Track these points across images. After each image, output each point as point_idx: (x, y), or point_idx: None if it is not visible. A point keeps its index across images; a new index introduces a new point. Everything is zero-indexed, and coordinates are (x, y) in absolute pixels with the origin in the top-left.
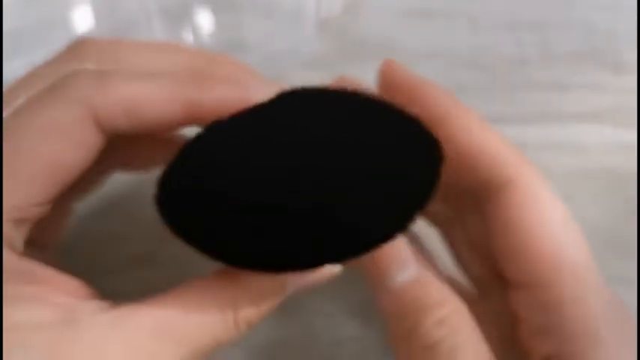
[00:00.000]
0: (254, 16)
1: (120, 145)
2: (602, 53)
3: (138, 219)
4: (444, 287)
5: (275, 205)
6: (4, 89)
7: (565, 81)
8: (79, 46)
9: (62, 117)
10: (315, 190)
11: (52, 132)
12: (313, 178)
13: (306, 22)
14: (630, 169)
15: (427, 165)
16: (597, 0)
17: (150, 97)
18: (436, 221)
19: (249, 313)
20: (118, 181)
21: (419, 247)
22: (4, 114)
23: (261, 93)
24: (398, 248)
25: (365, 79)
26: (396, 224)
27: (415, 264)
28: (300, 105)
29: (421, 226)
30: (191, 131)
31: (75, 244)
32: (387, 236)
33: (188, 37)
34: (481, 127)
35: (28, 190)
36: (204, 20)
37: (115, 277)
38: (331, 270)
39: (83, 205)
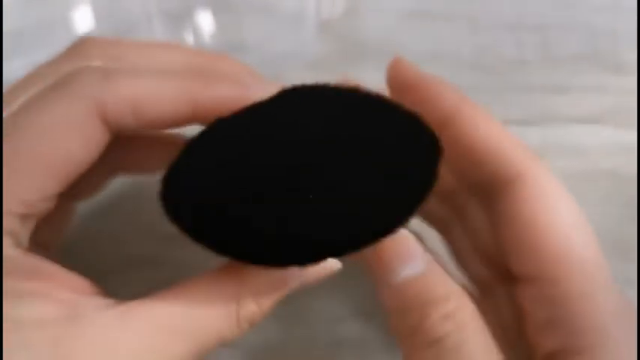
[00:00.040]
0: (254, 18)
1: (123, 149)
2: (602, 54)
3: (138, 220)
4: (450, 281)
5: (277, 200)
6: (4, 89)
7: (565, 82)
8: (82, 45)
9: (70, 113)
10: (315, 185)
11: (59, 127)
12: (314, 173)
13: (306, 24)
14: (631, 171)
15: (426, 159)
16: (598, 1)
17: (156, 94)
18: (436, 222)
19: (252, 309)
20: (118, 182)
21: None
22: (10, 111)
23: (262, 92)
24: (403, 242)
25: (366, 80)
26: (396, 218)
27: (423, 258)
28: (300, 102)
29: (421, 227)
30: (191, 132)
31: (75, 244)
32: (387, 230)
33: (188, 38)
34: (489, 123)
35: (36, 184)
36: (205, 21)
37: (114, 278)
38: (331, 265)
39: (83, 206)
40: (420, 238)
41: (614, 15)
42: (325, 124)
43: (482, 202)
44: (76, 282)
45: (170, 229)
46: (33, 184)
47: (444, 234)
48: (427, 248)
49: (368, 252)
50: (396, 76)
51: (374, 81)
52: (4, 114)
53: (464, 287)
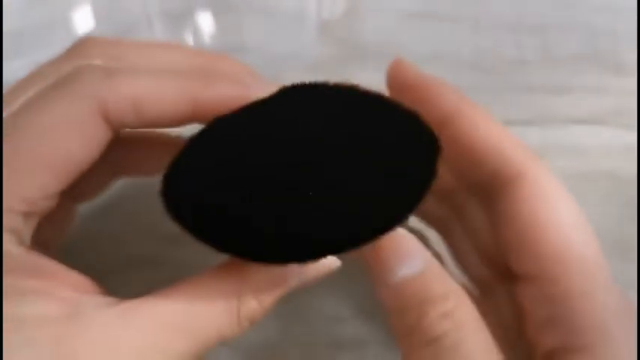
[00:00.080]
0: (255, 19)
1: (124, 151)
2: (602, 55)
3: (138, 220)
4: (448, 280)
5: (276, 197)
6: (5, 89)
7: (566, 83)
8: (83, 45)
9: (71, 111)
10: (315, 182)
11: (61, 126)
12: (313, 171)
13: (307, 25)
14: (631, 171)
15: (425, 156)
16: (598, 2)
17: (157, 92)
18: (435, 222)
19: (253, 307)
20: (118, 182)
21: (427, 246)
22: (12, 110)
23: (262, 92)
24: (400, 241)
25: (366, 81)
26: (395, 215)
27: (421, 256)
28: (300, 100)
29: (423, 226)
30: (191, 132)
31: (75, 244)
32: (386, 227)
33: (188, 39)
34: (489, 123)
35: (38, 182)
36: (205, 22)
37: (114, 278)
38: (331, 263)
39: (83, 206)
40: (422, 237)
41: (615, 15)
42: (324, 123)
43: (481, 201)
44: (78, 280)
45: (170, 229)
46: (35, 182)
47: (444, 234)
48: (429, 247)
49: (366, 251)
50: (395, 76)
51: (374, 82)
52: (6, 113)
53: (464, 287)
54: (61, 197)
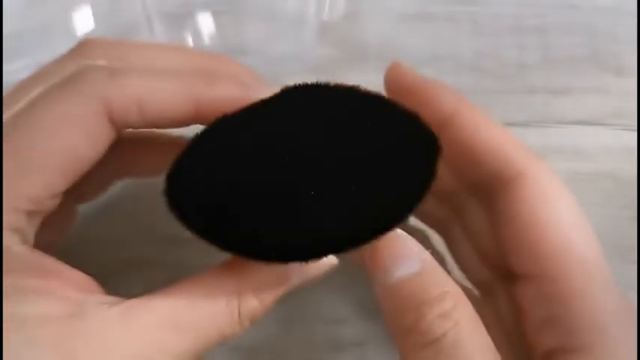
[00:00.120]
0: (255, 20)
1: (126, 152)
2: (603, 56)
3: (137, 221)
4: (446, 280)
5: (278, 197)
6: (4, 90)
7: (566, 84)
8: (86, 46)
9: (77, 110)
10: (315, 182)
11: (66, 124)
12: (314, 170)
13: (307, 26)
14: (631, 173)
15: (425, 156)
16: (598, 3)
17: (160, 92)
18: (435, 223)
19: (253, 305)
20: (118, 183)
21: (429, 247)
22: (16, 109)
23: (262, 93)
24: (396, 242)
25: (366, 83)
26: (396, 215)
27: (418, 257)
28: (300, 100)
29: (424, 228)
30: (192, 133)
31: (74, 246)
32: (387, 226)
33: (188, 40)
34: (489, 123)
35: (43, 181)
36: (205, 23)
37: (114, 279)
38: (329, 262)
39: (83, 208)
40: (424, 237)
41: (615, 17)
42: (325, 123)
43: (481, 202)
44: (81, 280)
45: (170, 230)
46: (40, 181)
47: (444, 235)
48: (432, 247)
49: (364, 252)
50: (394, 80)
51: (374, 83)
52: (10, 112)
53: (463, 287)
54: (63, 197)
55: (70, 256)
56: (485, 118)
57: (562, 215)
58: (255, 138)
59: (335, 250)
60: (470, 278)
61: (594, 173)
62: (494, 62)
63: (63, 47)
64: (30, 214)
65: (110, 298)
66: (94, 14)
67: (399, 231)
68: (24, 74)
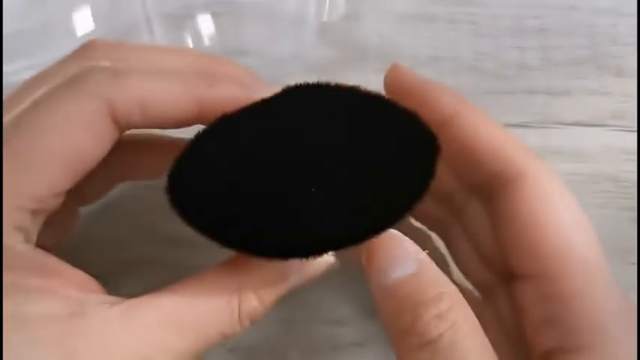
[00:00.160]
0: (255, 21)
1: (127, 155)
2: (603, 58)
3: (137, 222)
4: (442, 281)
5: (278, 194)
6: (4, 91)
7: (566, 85)
8: (88, 47)
9: (81, 110)
10: (316, 180)
11: (70, 124)
12: (314, 169)
13: (307, 27)
14: (631, 175)
15: (424, 156)
16: (598, 4)
17: (164, 93)
18: (435, 224)
19: (253, 304)
20: (118, 184)
21: (430, 246)
22: (20, 109)
23: (263, 93)
24: (392, 243)
25: (366, 82)
26: (395, 213)
27: (415, 258)
28: (301, 100)
29: (425, 227)
30: (192, 134)
31: (75, 246)
32: (386, 225)
33: (188, 42)
34: (488, 123)
35: (47, 180)
36: (205, 25)
37: (114, 279)
38: (327, 261)
39: (83, 208)
40: (426, 236)
41: (615, 18)
42: (325, 122)
43: (481, 202)
44: (83, 279)
45: (170, 230)
46: (44, 180)
47: (444, 237)
48: (433, 248)
49: (362, 253)
50: (393, 81)
51: (374, 84)
52: (15, 112)
53: (463, 288)
54: (66, 197)
55: (70, 255)
56: (485, 119)
57: (562, 215)
58: (256, 136)
59: (334, 247)
60: (470, 279)
61: (594, 174)
62: (494, 63)
63: (63, 47)
64: (34, 212)
65: (111, 298)
66: (94, 15)
67: (394, 232)
68: (24, 74)
